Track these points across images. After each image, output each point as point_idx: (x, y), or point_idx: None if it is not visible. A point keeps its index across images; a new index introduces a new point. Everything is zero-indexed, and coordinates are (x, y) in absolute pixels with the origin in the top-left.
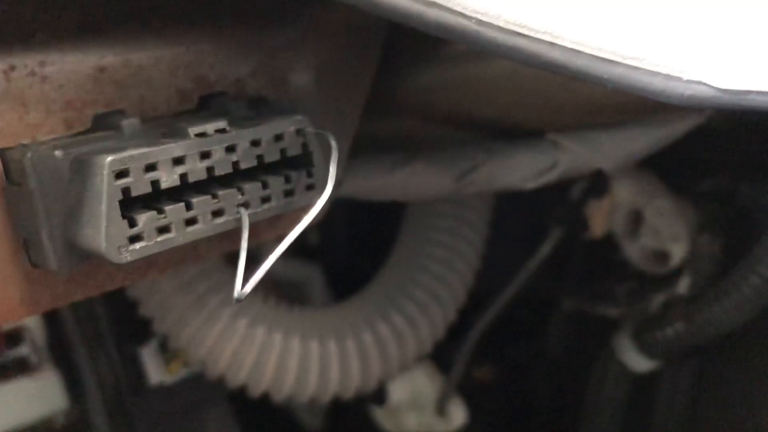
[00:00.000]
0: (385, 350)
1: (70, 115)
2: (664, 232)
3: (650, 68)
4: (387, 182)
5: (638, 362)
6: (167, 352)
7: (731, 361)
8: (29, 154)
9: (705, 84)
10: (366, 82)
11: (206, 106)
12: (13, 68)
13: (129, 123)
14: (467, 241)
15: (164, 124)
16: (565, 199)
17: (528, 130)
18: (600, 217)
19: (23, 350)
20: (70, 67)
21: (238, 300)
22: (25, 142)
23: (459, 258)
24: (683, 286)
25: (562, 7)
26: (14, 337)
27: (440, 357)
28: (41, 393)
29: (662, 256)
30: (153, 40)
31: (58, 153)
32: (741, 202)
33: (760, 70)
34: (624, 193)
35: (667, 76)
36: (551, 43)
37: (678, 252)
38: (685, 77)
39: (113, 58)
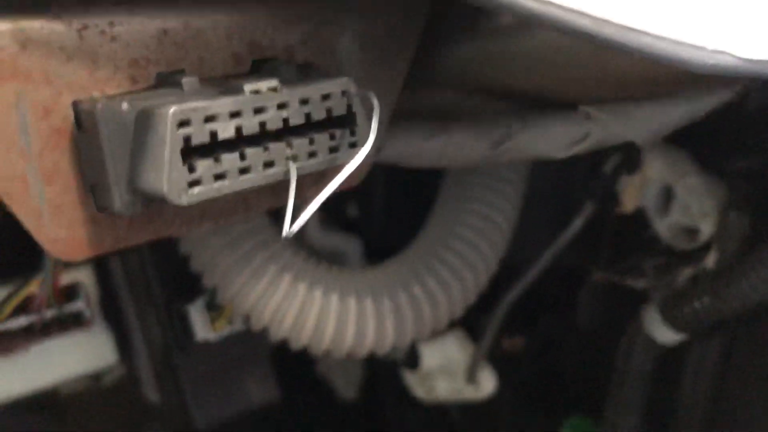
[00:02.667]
0: (419, 310)
1: (135, 73)
2: (694, 209)
3: (676, 38)
4: (425, 148)
5: (665, 335)
6: (213, 310)
7: (759, 335)
8: (99, 105)
9: (728, 54)
10: (408, 53)
11: (258, 69)
12: (86, 27)
13: (189, 81)
14: (500, 212)
15: (220, 84)
16: (598, 175)
17: (563, 102)
18: (632, 193)
19: (78, 305)
20: (137, 28)
21: (287, 238)
22: (94, 95)
23: (492, 227)
24: (711, 261)
25: None
26: (71, 293)
27: (472, 327)
28: (93, 347)
29: (691, 232)
30: (211, 5)
31: (125, 105)
32: None
33: None
34: (656, 170)
35: (692, 46)
36: (581, 13)
37: (707, 228)
38: (710, 47)
39: (175, 21)
